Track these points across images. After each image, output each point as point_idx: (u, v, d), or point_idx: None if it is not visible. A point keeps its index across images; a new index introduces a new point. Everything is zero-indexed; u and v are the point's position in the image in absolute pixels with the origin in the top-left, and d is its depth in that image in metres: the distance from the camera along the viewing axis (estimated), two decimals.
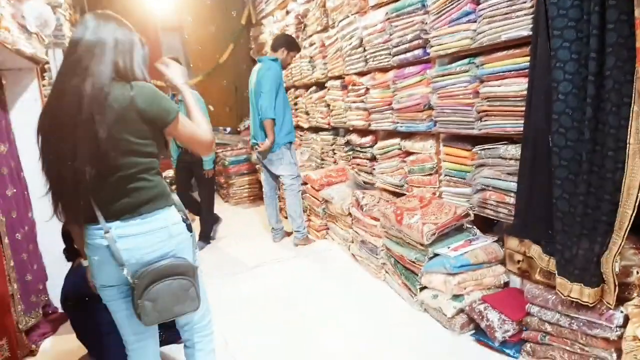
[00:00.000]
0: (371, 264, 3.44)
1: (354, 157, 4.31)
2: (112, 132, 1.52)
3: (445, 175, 3.05)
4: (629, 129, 1.68)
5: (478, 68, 2.59)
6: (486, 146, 2.61)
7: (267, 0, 6.20)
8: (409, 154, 3.43)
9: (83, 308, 2.32)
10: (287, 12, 5.46)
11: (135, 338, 1.81)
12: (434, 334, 2.59)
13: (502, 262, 2.69)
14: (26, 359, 2.72)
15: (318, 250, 4.13)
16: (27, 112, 3.10)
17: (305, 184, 4.60)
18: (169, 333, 2.42)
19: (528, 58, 2.18)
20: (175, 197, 1.78)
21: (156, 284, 1.61)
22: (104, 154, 1.52)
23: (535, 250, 2.24)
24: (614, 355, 1.85)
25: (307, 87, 5.29)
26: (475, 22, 2.56)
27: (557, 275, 2.01)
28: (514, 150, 2.40)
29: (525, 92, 2.20)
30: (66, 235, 2.44)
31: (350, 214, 3.76)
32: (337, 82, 4.36)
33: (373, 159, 3.95)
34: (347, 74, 4.13)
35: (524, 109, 2.21)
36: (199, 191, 4.65)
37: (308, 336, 2.72)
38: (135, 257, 1.61)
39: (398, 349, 2.48)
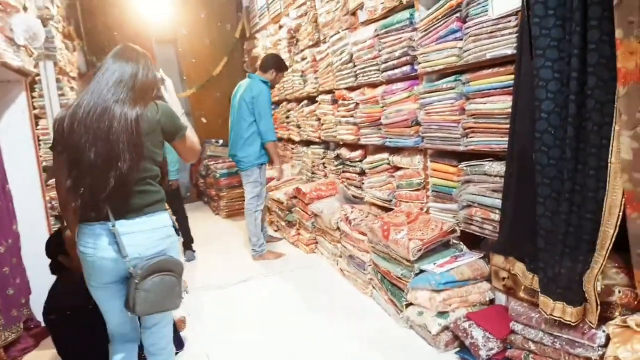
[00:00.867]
0: (358, 279, 3.42)
1: (343, 171, 4.31)
2: (144, 139, 1.80)
3: (433, 190, 3.05)
4: (610, 148, 1.69)
5: (464, 85, 2.60)
6: (472, 163, 2.61)
7: (261, 15, 6.25)
8: (397, 168, 3.44)
9: (65, 322, 2.29)
10: (280, 27, 5.50)
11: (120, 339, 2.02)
12: (419, 351, 2.57)
13: (488, 279, 2.68)
14: None
15: (306, 265, 4.11)
16: (14, 124, 3.09)
17: (294, 197, 4.60)
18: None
19: (513, 76, 2.19)
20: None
21: (153, 276, 1.80)
22: (138, 157, 1.79)
23: (519, 267, 2.23)
24: None
25: (298, 100, 5.31)
26: (461, 39, 2.59)
27: (540, 293, 2.00)
28: (499, 167, 2.40)
29: (510, 110, 2.21)
30: (50, 249, 2.42)
31: (338, 228, 3.75)
32: (328, 97, 4.39)
33: (362, 173, 3.96)
34: (338, 89, 4.15)
35: (508, 126, 2.22)
36: (167, 203, 4.58)
37: (293, 350, 2.69)
38: (138, 251, 1.82)
39: None
